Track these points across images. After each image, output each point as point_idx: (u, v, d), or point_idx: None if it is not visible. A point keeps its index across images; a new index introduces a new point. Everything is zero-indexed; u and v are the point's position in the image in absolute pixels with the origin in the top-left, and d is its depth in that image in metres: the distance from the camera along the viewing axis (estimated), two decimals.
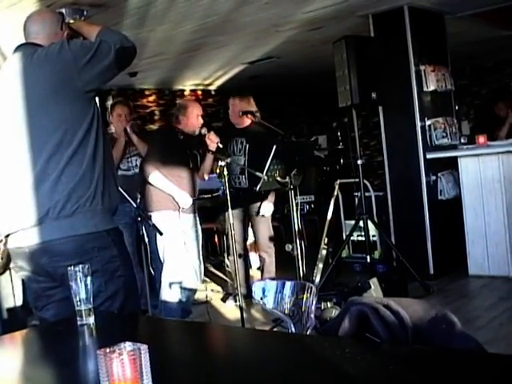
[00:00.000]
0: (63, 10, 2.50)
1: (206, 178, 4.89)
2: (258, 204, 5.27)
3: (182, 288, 4.63)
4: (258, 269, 5.74)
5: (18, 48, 2.38)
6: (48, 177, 2.23)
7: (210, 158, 4.71)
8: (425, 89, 5.60)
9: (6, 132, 2.32)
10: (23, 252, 2.28)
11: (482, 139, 5.64)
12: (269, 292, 1.94)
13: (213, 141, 4.50)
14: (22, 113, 2.26)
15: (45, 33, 2.39)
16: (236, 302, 4.95)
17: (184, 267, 4.54)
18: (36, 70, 2.26)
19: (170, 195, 4.49)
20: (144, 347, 1.18)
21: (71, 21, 2.49)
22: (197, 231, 4.72)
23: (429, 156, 5.58)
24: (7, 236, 2.34)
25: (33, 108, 2.24)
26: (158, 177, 4.49)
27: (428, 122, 5.61)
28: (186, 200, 4.52)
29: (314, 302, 1.79)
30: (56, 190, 2.22)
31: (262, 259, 5.42)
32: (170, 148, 4.60)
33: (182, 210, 4.51)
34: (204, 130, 4.57)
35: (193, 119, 4.66)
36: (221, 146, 4.52)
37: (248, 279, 5.48)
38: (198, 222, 4.77)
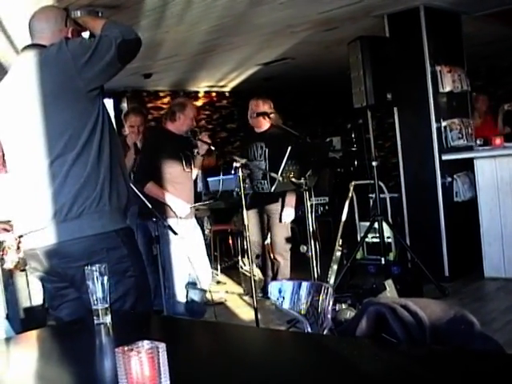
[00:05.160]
0: (78, 12, 2.48)
1: (194, 176, 4.80)
2: (275, 205, 5.27)
3: (192, 289, 4.63)
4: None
5: (23, 50, 2.37)
6: (54, 180, 2.24)
7: (199, 159, 4.69)
8: (440, 90, 5.56)
9: (12, 138, 2.35)
10: (35, 254, 2.30)
11: (498, 140, 5.59)
12: (285, 292, 1.93)
13: (205, 141, 4.52)
14: (26, 119, 2.26)
15: (49, 31, 2.36)
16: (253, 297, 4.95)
17: (191, 270, 4.52)
18: (36, 76, 2.23)
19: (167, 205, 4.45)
20: (162, 345, 1.18)
21: (78, 14, 2.46)
22: (200, 233, 4.69)
23: (444, 157, 5.54)
24: (21, 236, 2.39)
25: (35, 114, 2.23)
26: (151, 188, 4.41)
27: (444, 123, 5.58)
28: (183, 209, 4.46)
29: (331, 303, 1.79)
30: (62, 193, 2.23)
31: (276, 262, 5.41)
32: (162, 152, 4.50)
33: (180, 218, 4.45)
34: (198, 131, 4.58)
35: (189, 119, 4.59)
36: (213, 148, 4.53)
37: (265, 280, 5.48)
38: (198, 225, 4.72)
